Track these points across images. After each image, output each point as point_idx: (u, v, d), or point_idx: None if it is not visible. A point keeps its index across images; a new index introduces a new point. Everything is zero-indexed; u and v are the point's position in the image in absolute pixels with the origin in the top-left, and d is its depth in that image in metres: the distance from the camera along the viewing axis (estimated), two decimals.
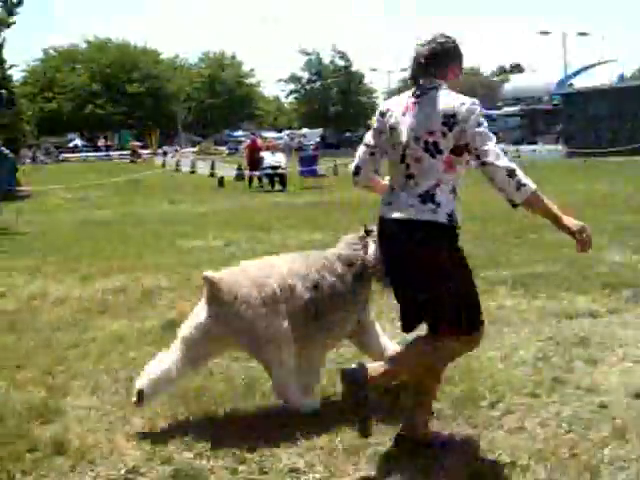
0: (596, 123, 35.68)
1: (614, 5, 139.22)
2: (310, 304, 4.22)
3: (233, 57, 77.71)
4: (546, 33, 57.36)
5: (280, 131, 68.08)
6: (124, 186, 24.45)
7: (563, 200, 14.35)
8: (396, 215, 3.56)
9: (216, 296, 4.09)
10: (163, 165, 38.26)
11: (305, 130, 60.86)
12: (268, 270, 4.25)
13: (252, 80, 74.26)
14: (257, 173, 23.58)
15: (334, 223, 12.43)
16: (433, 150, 3.47)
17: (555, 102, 53.47)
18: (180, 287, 7.73)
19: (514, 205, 3.46)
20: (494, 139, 3.48)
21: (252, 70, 73.10)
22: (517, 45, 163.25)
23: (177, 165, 36.96)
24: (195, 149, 58.61)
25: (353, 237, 4.52)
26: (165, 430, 4.10)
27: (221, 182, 24.69)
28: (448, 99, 3.49)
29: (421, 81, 3.59)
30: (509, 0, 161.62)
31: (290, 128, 68.14)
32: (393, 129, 3.60)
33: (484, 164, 3.43)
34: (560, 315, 6.06)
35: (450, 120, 3.42)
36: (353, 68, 65.34)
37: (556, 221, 3.51)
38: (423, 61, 3.58)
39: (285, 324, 4.11)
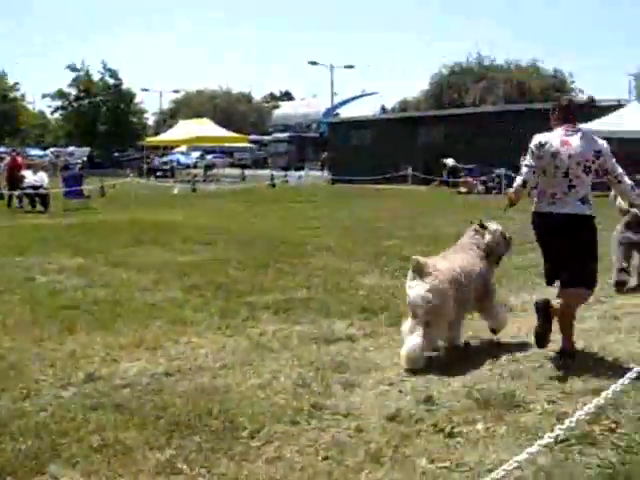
0: (358, 152, 37.44)
1: (378, 42, 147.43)
2: (466, 289, 5.80)
3: None
4: (315, 63, 59.58)
5: (45, 149, 64.87)
6: None
7: (330, 223, 14.88)
8: (565, 211, 5.49)
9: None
10: None
11: (72, 148, 58.40)
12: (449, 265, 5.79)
13: (17, 94, 70.10)
14: (17, 192, 22.21)
15: (96, 247, 11.95)
16: (587, 171, 5.51)
17: (322, 130, 55.55)
18: None
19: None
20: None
21: (17, 84, 69.00)
22: (288, 73, 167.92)
23: None
24: None
25: (472, 232, 6.26)
26: None
27: None
28: (594, 139, 5.69)
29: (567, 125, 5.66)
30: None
31: (56, 145, 65.09)
32: (554, 155, 5.51)
33: (620, 182, 5.65)
34: (320, 340, 6.14)
35: (598, 154, 5.54)
36: (124, 87, 63.78)
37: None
38: (570, 111, 5.79)
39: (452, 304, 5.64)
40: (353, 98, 73.01)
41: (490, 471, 3.68)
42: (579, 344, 5.96)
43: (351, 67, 64.41)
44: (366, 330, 6.48)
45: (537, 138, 5.66)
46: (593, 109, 7.27)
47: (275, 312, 7.14)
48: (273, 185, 33.02)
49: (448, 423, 4.31)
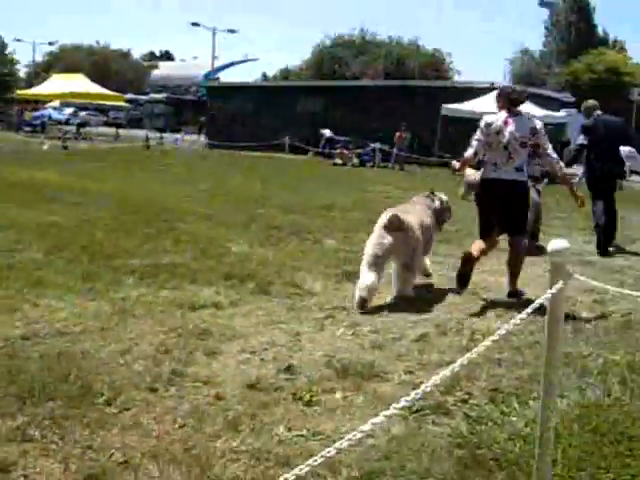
0: (237, 118, 37.12)
1: (263, 8, 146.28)
2: (427, 233, 7.09)
3: None
4: (197, 25, 58.38)
5: None
6: None
7: (202, 189, 14.68)
8: (505, 177, 6.85)
9: (398, 226, 6.58)
10: None
11: None
12: (413, 212, 7.09)
13: None
14: None
15: None
16: (524, 145, 6.84)
17: (201, 94, 54.67)
18: None
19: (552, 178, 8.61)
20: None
21: None
22: (168, 33, 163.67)
23: None
24: None
25: (424, 195, 7.71)
26: None
27: None
28: (532, 120, 7.12)
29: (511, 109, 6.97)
30: None
31: None
32: (498, 133, 6.84)
33: (548, 155, 6.95)
34: (184, 306, 6.05)
35: (534, 132, 6.85)
36: None
37: (571, 187, 7.37)
38: (514, 99, 7.05)
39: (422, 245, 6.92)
40: (234, 63, 72.27)
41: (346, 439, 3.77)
42: (439, 318, 6.16)
43: (234, 32, 63.55)
44: (232, 297, 6.43)
45: (485, 118, 7.08)
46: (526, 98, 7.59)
47: (140, 277, 6.97)
48: (148, 147, 32.23)
49: (307, 392, 4.35)
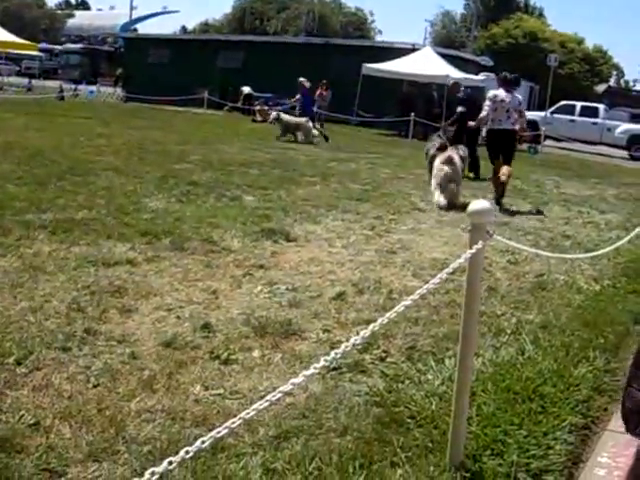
0: (155, 71, 36.28)
1: None
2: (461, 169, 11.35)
3: None
4: None
5: None
6: None
7: (119, 142, 14.30)
8: (504, 127, 11.23)
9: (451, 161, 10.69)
10: None
11: None
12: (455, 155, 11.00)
13: None
14: None
15: None
16: (515, 109, 11.42)
17: (118, 45, 53.20)
18: None
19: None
20: None
21: None
22: None
23: None
24: None
25: (454, 148, 11.49)
26: None
27: None
28: (518, 96, 11.91)
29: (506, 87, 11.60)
30: None
31: None
32: (502, 102, 11.24)
33: (522, 116, 11.88)
34: (98, 263, 5.87)
35: (519, 103, 11.69)
36: None
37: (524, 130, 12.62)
38: (510, 81, 11.72)
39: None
40: (153, 14, 70.50)
41: (263, 398, 3.75)
42: (356, 276, 6.18)
43: None
44: (148, 254, 6.28)
45: (492, 92, 11.52)
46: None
47: (52, 232, 6.72)
48: (62, 98, 31.18)
49: (224, 350, 4.30)
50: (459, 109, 15.35)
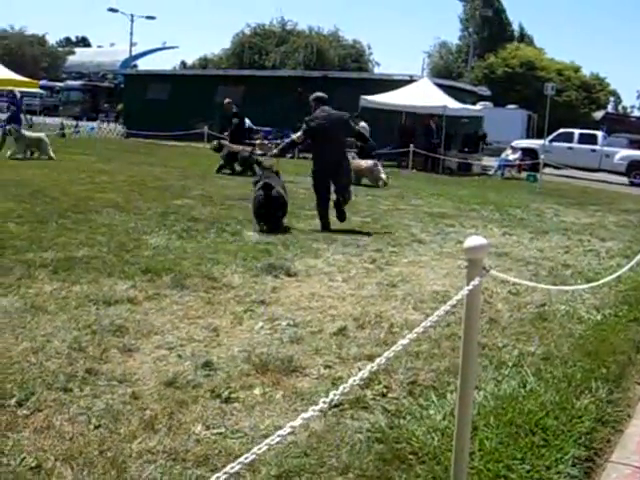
0: (155, 106, 36.53)
1: None
2: None
3: None
4: (114, 10, 57.30)
5: None
6: None
7: (119, 179, 14.36)
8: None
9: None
10: None
11: None
12: None
13: None
14: None
15: None
16: None
17: (118, 81, 53.64)
18: None
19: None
20: None
21: None
22: (85, 18, 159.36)
23: None
24: None
25: None
26: None
27: None
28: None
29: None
30: None
31: None
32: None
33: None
34: (99, 302, 5.88)
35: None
36: None
37: None
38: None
39: None
40: (153, 50, 71.16)
41: (265, 436, 3.74)
42: (357, 311, 6.18)
43: (152, 18, 62.51)
44: (148, 292, 6.30)
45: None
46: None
47: (54, 271, 6.76)
48: (63, 135, 31.42)
49: (225, 388, 4.30)
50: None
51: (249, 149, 20.20)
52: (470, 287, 2.95)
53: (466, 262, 3.15)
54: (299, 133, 10.99)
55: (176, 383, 4.35)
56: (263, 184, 10.17)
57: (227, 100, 22.99)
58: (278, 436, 2.02)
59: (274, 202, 10.02)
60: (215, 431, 3.79)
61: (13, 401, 3.97)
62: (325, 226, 10.47)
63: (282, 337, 5.36)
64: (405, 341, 2.80)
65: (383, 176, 18.46)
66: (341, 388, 2.38)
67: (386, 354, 2.69)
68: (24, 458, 3.39)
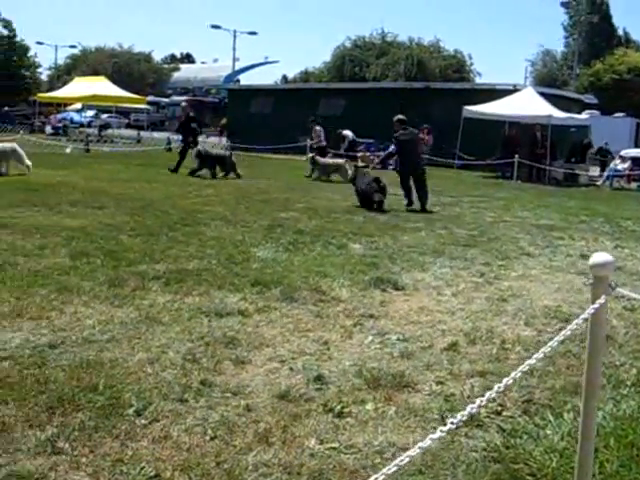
0: (258, 120, 37.14)
1: (283, 9, 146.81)
2: None
3: None
4: (217, 27, 58.69)
5: None
6: None
7: (225, 192, 14.65)
8: None
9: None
10: None
11: None
12: None
13: None
14: None
15: None
16: None
17: (221, 96, 54.85)
18: None
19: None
20: None
21: None
22: (189, 35, 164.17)
23: None
24: None
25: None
26: None
27: None
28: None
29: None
30: None
31: None
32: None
33: None
34: (211, 314, 6.00)
35: None
36: (17, 39, 60.58)
37: None
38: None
39: None
40: (255, 65, 72.46)
41: (379, 452, 3.71)
42: (468, 326, 6.08)
43: (254, 34, 63.79)
44: (258, 304, 6.37)
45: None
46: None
47: (166, 283, 6.94)
48: (169, 149, 32.28)
49: (338, 403, 4.30)
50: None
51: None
52: (596, 305, 2.85)
53: (584, 277, 3.05)
54: (392, 146, 15.64)
55: (289, 396, 4.38)
56: (374, 178, 14.15)
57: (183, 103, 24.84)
58: (407, 457, 1.99)
59: (382, 190, 13.96)
60: (329, 445, 3.79)
61: (131, 411, 4.07)
62: (410, 202, 14.75)
63: (392, 352, 5.32)
64: (532, 361, 2.74)
65: (350, 172, 19.54)
66: (468, 408, 2.34)
67: (520, 369, 2.65)
68: (143, 467, 3.46)
